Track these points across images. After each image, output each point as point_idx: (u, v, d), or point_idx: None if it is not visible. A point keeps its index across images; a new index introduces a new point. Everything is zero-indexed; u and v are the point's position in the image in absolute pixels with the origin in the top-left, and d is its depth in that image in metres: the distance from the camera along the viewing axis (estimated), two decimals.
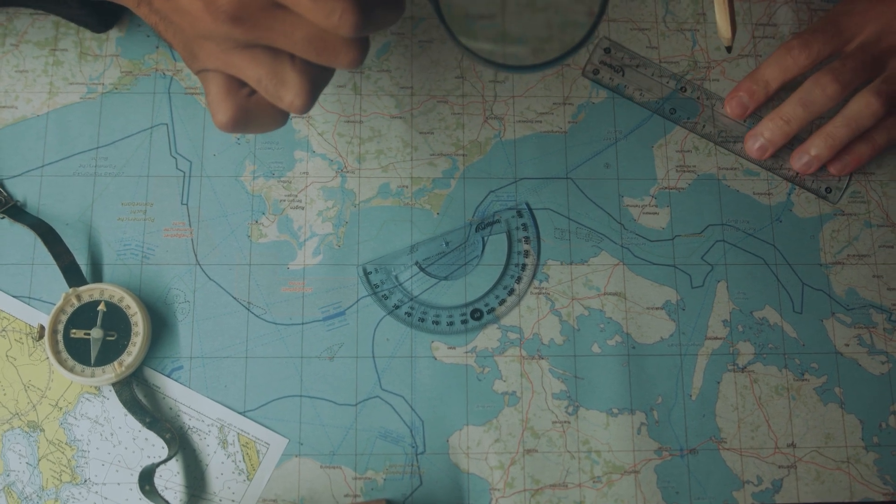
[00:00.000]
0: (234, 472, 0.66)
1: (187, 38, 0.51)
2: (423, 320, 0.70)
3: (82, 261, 0.68)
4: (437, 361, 0.69)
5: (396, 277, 0.70)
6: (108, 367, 0.65)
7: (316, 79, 0.51)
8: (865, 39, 0.72)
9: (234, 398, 0.68)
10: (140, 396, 0.67)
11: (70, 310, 0.66)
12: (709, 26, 0.78)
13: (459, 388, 0.69)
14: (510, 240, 0.72)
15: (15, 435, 0.66)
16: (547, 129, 0.74)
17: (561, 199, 0.73)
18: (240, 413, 0.67)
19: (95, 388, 0.67)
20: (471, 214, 0.72)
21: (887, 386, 0.71)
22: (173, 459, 0.66)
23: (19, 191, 0.70)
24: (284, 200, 0.71)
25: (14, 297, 0.68)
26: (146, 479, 0.64)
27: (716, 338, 0.71)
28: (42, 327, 0.66)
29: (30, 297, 0.68)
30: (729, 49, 0.68)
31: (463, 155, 0.73)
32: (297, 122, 0.73)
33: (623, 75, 0.75)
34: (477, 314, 0.70)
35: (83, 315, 0.66)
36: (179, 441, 0.66)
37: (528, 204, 0.73)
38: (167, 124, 0.72)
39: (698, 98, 0.75)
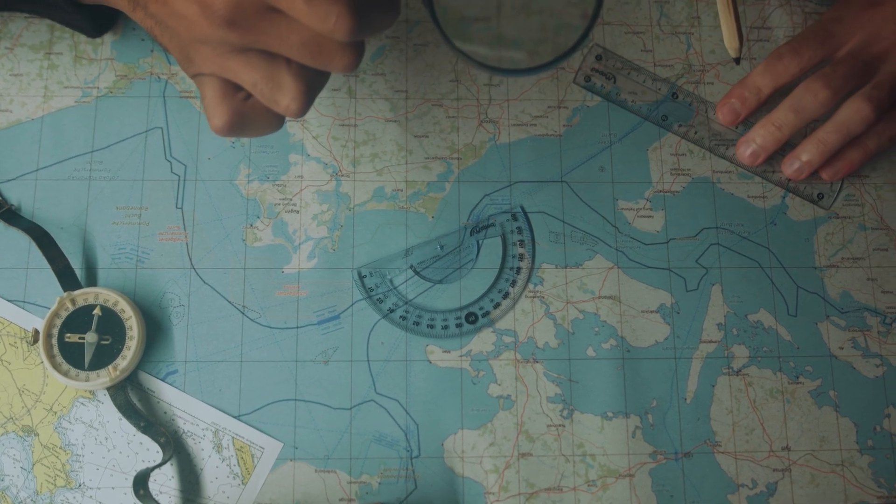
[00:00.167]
0: (228, 477, 0.66)
1: (183, 43, 0.51)
2: (417, 324, 0.70)
3: (77, 265, 0.68)
4: (432, 365, 0.69)
5: (391, 281, 0.70)
6: (102, 372, 0.65)
7: (311, 83, 0.51)
8: (855, 45, 0.72)
9: (228, 402, 0.68)
10: (135, 400, 0.67)
11: (65, 314, 0.66)
12: (703, 30, 0.78)
13: (454, 392, 0.69)
14: (505, 243, 0.72)
15: (9, 439, 0.66)
16: (542, 132, 0.74)
17: (556, 203, 0.73)
18: (234, 417, 0.67)
19: (90, 392, 0.67)
20: (465, 218, 0.72)
21: (881, 389, 0.71)
22: (168, 464, 0.66)
23: (14, 195, 0.70)
24: (279, 204, 0.71)
25: (8, 301, 0.68)
26: (141, 483, 0.64)
27: (710, 341, 0.71)
28: (36, 331, 0.66)
29: (24, 302, 0.68)
30: (737, 61, 0.68)
31: (458, 158, 0.73)
32: (291, 126, 0.73)
33: (615, 82, 0.75)
34: (472, 318, 0.70)
35: (78, 319, 0.66)
36: (174, 445, 0.66)
37: (522, 207, 0.73)
38: (162, 128, 0.72)
39: (690, 104, 0.75)
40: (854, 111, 0.70)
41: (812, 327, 0.72)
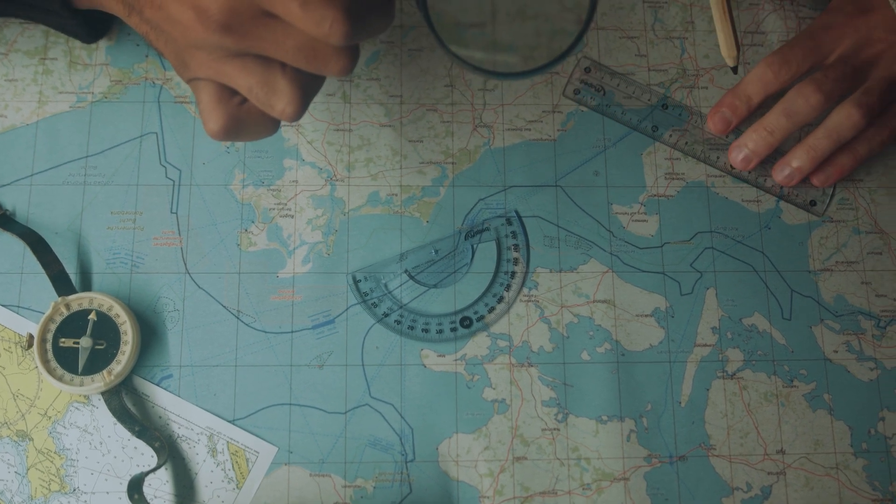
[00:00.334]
0: (223, 481, 0.66)
1: (178, 48, 0.51)
2: (412, 328, 0.70)
3: (71, 270, 0.68)
4: (427, 369, 0.69)
5: (386, 285, 0.70)
6: (97, 376, 0.65)
7: (307, 87, 0.51)
8: (844, 52, 0.72)
9: (223, 406, 0.68)
10: (129, 405, 0.66)
11: (59, 319, 0.66)
12: (697, 34, 0.78)
13: (449, 396, 0.69)
14: (499, 247, 0.72)
15: (3, 444, 0.66)
16: (536, 137, 0.75)
17: (550, 207, 0.73)
18: (229, 421, 0.67)
19: (84, 397, 0.67)
20: (460, 222, 0.72)
21: (876, 392, 0.71)
22: (162, 468, 0.66)
23: (8, 200, 0.70)
24: (274, 209, 0.71)
25: (3, 306, 0.68)
26: (135, 487, 0.64)
27: (705, 345, 0.71)
28: (31, 336, 0.66)
29: (19, 307, 0.68)
30: (735, 69, 0.69)
31: (452, 163, 0.73)
32: (286, 131, 0.73)
33: (604, 94, 0.76)
34: (466, 322, 0.70)
35: (72, 324, 0.66)
36: (169, 450, 0.66)
37: (517, 212, 0.73)
38: (157, 133, 0.72)
39: (681, 114, 0.76)
40: (845, 117, 0.70)
41: (806, 331, 0.72)
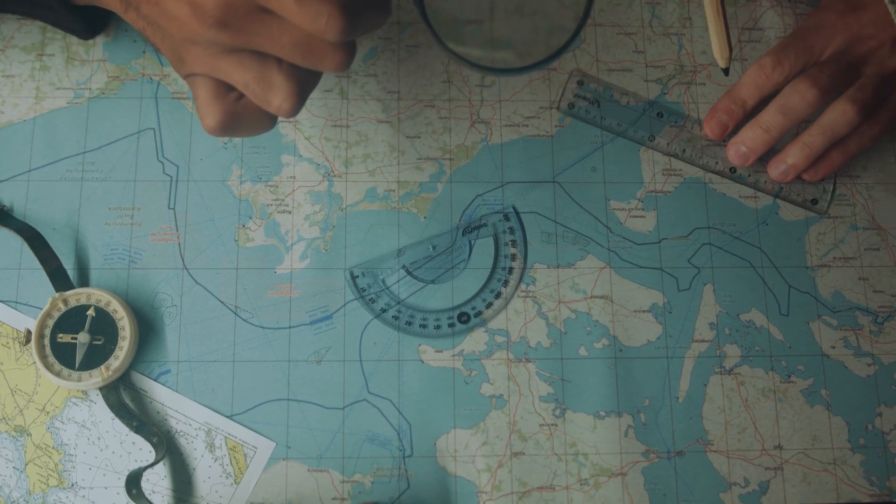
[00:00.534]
0: (221, 476, 0.66)
1: (175, 43, 0.51)
2: (410, 324, 0.70)
3: (69, 265, 0.68)
4: (425, 365, 0.69)
5: (383, 281, 0.70)
6: (95, 372, 0.65)
7: (303, 83, 0.52)
8: (836, 49, 0.72)
9: (221, 402, 0.68)
10: (127, 400, 0.67)
11: (57, 314, 0.66)
12: (695, 31, 0.78)
13: (447, 392, 0.69)
14: (497, 243, 0.72)
15: (2, 439, 0.66)
16: (534, 132, 0.75)
17: (548, 203, 0.73)
18: (227, 417, 0.67)
19: (82, 392, 0.67)
20: (458, 218, 0.72)
21: (873, 388, 0.71)
22: (160, 463, 0.66)
23: (6, 196, 0.70)
24: (271, 205, 0.71)
25: (1, 301, 0.68)
26: (133, 483, 0.64)
27: (702, 340, 0.71)
28: (29, 332, 0.66)
29: (17, 302, 0.68)
30: (726, 71, 0.69)
31: (450, 159, 0.73)
32: (283, 127, 0.73)
33: (598, 106, 0.75)
34: (464, 317, 0.70)
35: (70, 319, 0.66)
36: (167, 445, 0.66)
37: (514, 207, 0.73)
38: (154, 129, 0.72)
39: (676, 121, 0.76)
40: (839, 114, 0.70)
41: (804, 326, 0.72)
